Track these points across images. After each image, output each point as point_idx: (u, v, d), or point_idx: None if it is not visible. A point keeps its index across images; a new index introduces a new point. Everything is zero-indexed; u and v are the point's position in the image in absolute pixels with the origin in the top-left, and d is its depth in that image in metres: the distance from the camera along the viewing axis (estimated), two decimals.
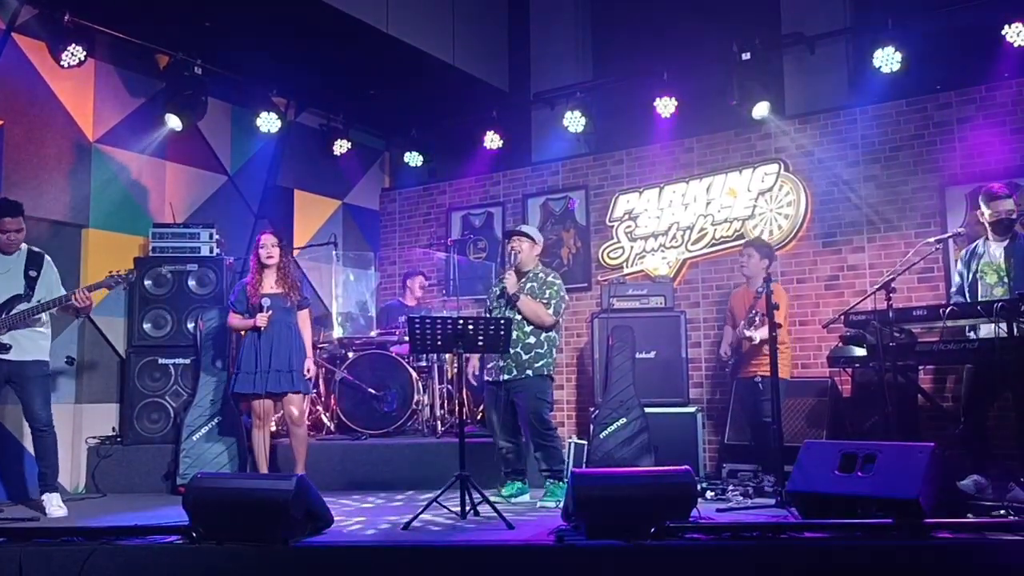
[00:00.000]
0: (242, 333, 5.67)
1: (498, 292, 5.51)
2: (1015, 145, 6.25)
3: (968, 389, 5.19)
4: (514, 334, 5.22)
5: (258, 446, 5.54)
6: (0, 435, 5.87)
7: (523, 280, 5.44)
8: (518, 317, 5.32)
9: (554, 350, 5.44)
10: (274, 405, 5.64)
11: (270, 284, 5.56)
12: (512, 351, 5.24)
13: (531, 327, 5.33)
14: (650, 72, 7.48)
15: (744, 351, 5.89)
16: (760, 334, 5.53)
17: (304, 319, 5.66)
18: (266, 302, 5.44)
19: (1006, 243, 5.07)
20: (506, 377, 5.34)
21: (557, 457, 5.38)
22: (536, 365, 5.31)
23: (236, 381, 5.50)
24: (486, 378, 5.51)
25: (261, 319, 5.40)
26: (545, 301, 5.34)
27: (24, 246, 5.18)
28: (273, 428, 6.43)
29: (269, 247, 5.55)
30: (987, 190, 5.20)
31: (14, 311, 5.01)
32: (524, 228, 5.69)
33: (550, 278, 5.45)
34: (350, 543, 3.75)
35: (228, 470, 5.94)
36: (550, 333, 5.39)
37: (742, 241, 7.17)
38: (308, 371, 5.57)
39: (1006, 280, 4.99)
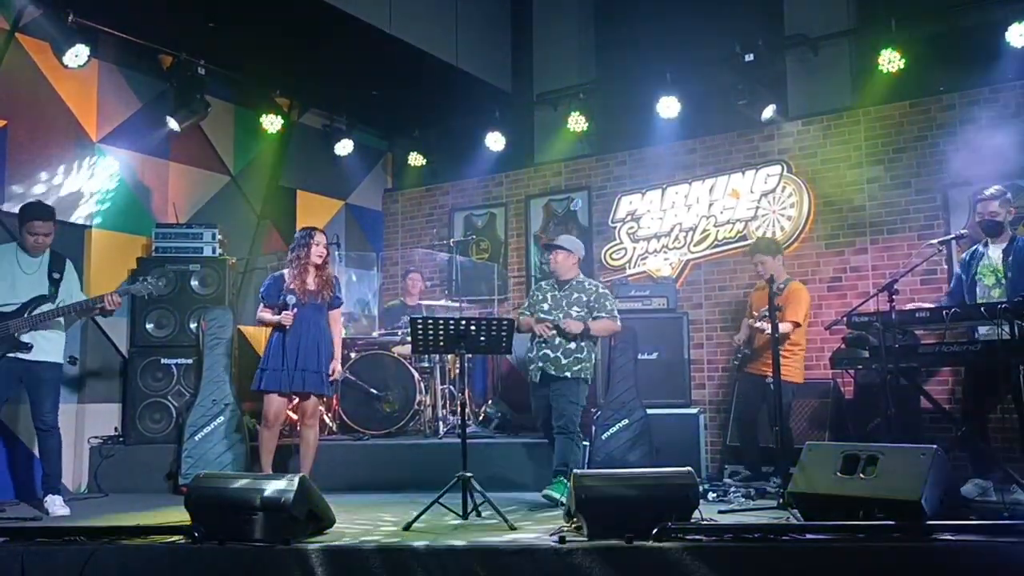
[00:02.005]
0: (268, 330, 5.57)
1: (545, 308, 5.61)
2: (1019, 147, 6.24)
3: (970, 391, 5.19)
4: (556, 339, 5.45)
5: (266, 446, 5.47)
6: (10, 436, 5.88)
7: (565, 289, 5.59)
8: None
9: (593, 354, 5.58)
10: (288, 405, 5.60)
11: (308, 281, 5.46)
12: (552, 354, 5.45)
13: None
14: (653, 73, 7.47)
15: (756, 346, 5.85)
16: (779, 327, 5.52)
17: (335, 319, 5.63)
18: (291, 299, 5.36)
19: (1004, 245, 5.07)
20: (542, 377, 5.49)
21: (573, 458, 5.39)
22: (575, 368, 5.45)
23: (263, 377, 5.37)
24: (531, 379, 5.61)
25: (287, 318, 5.33)
26: (609, 314, 5.51)
27: (48, 249, 5.25)
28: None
29: (323, 247, 5.51)
30: (978, 191, 5.22)
31: (37, 311, 5.06)
32: (558, 241, 5.74)
33: (601, 289, 5.62)
34: (352, 544, 3.75)
35: (230, 470, 5.93)
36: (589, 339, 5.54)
37: (745, 242, 7.19)
38: (333, 372, 5.53)
39: (1004, 282, 4.99)
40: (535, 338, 5.58)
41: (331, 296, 5.53)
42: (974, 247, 5.28)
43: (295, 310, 5.35)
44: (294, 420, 5.81)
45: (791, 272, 7.00)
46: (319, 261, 5.49)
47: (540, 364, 5.51)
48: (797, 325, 5.66)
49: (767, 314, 5.50)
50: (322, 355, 5.45)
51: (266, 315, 5.47)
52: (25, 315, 5.03)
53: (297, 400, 5.61)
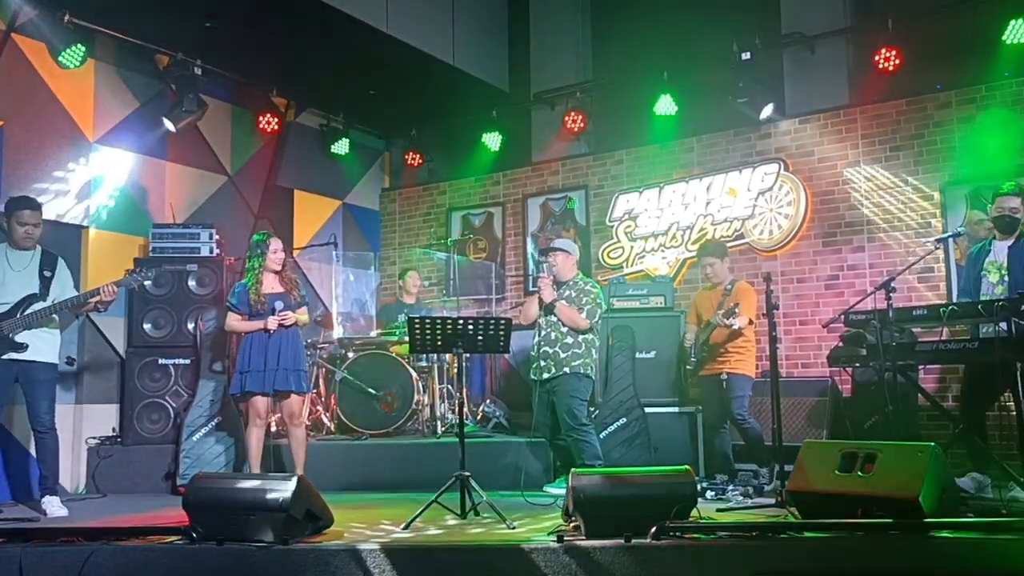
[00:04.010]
0: (242, 334, 5.64)
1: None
2: (1015, 144, 6.25)
3: (968, 388, 5.19)
4: (553, 335, 5.56)
5: (255, 444, 5.51)
6: (6, 437, 5.87)
7: (562, 289, 5.67)
8: (552, 319, 5.57)
9: (592, 351, 5.65)
10: (272, 404, 5.63)
11: (273, 286, 5.58)
12: (551, 351, 5.55)
13: (567, 328, 5.56)
14: (650, 72, 7.48)
15: (711, 345, 5.83)
16: (739, 322, 5.55)
17: (303, 312, 5.71)
18: (279, 305, 5.48)
19: (1011, 242, 5.06)
20: (546, 376, 5.57)
21: (589, 453, 5.46)
22: (573, 364, 5.53)
23: (245, 380, 5.43)
24: (532, 377, 5.71)
25: (272, 322, 5.41)
26: (580, 307, 5.56)
27: (38, 246, 5.23)
28: (273, 428, 6.44)
29: (280, 252, 5.62)
30: (996, 186, 5.18)
31: (29, 310, 5.03)
32: (557, 243, 5.86)
33: (587, 287, 5.69)
34: (350, 544, 3.75)
35: (228, 470, 5.94)
36: (587, 335, 5.60)
37: (742, 241, 7.21)
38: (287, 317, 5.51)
39: (1007, 279, 4.99)
40: (537, 336, 5.64)
41: (299, 296, 5.66)
42: (981, 243, 5.27)
43: (281, 316, 5.45)
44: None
45: (790, 269, 7.05)
46: (277, 267, 5.60)
47: (542, 363, 5.59)
48: (750, 322, 5.70)
49: (734, 311, 5.54)
50: (299, 353, 5.58)
51: (243, 324, 5.51)
52: (17, 315, 5.01)
53: (276, 401, 5.60)
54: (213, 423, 6.14)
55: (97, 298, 5.11)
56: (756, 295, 5.86)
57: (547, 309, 5.59)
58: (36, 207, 5.18)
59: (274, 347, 5.44)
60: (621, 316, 6.75)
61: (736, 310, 5.55)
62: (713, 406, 5.93)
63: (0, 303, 5.03)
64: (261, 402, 5.48)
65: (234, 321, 5.56)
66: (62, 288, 5.23)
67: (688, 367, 6.06)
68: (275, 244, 5.60)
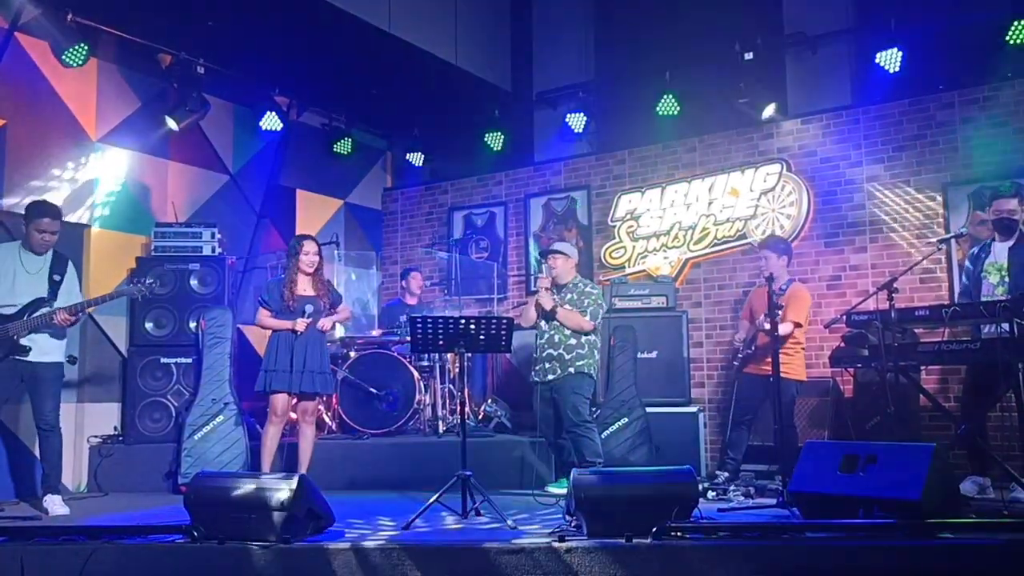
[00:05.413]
0: (268, 332, 5.63)
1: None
2: (1017, 145, 6.24)
3: (969, 390, 5.19)
4: (556, 337, 5.64)
5: (271, 442, 5.53)
6: (10, 436, 5.88)
7: (563, 292, 5.75)
8: (556, 323, 5.65)
9: (595, 351, 5.72)
10: (291, 402, 5.66)
11: (305, 288, 5.57)
12: (555, 352, 5.63)
13: (570, 331, 5.62)
14: (652, 72, 7.48)
15: (759, 345, 5.84)
16: (780, 328, 5.52)
17: (344, 310, 5.85)
18: (309, 308, 5.48)
19: (1011, 244, 5.06)
20: (551, 377, 5.63)
21: (591, 449, 5.49)
22: (578, 364, 5.61)
23: (270, 379, 5.43)
24: (534, 378, 5.76)
25: (300, 324, 5.42)
26: (582, 310, 5.62)
27: (52, 249, 5.23)
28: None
29: (313, 255, 5.57)
30: (994, 188, 5.19)
31: (36, 314, 5.04)
32: (557, 246, 5.92)
33: (588, 288, 5.79)
34: (351, 543, 3.75)
35: (230, 469, 5.93)
36: (590, 336, 5.67)
37: (745, 241, 7.19)
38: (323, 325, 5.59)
39: (1007, 280, 4.99)
40: (539, 339, 5.70)
41: (328, 303, 5.64)
42: (981, 244, 5.27)
43: (311, 319, 5.46)
44: (294, 420, 5.84)
45: (792, 269, 7.02)
46: (310, 270, 5.57)
47: (546, 365, 5.64)
48: (798, 326, 5.66)
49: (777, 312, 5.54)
50: (324, 356, 5.59)
51: (272, 321, 5.51)
52: (24, 318, 5.01)
53: (297, 400, 5.65)
54: (214, 422, 6.10)
55: (60, 318, 5.03)
56: (808, 300, 5.85)
57: (548, 316, 5.65)
58: (56, 215, 5.17)
59: (300, 349, 5.45)
60: (623, 316, 6.77)
61: (780, 314, 5.51)
62: (744, 403, 5.91)
63: (8, 304, 5.03)
64: (282, 399, 5.49)
65: (264, 317, 5.55)
66: (68, 292, 5.23)
67: (735, 362, 6.07)
68: (307, 247, 5.55)
